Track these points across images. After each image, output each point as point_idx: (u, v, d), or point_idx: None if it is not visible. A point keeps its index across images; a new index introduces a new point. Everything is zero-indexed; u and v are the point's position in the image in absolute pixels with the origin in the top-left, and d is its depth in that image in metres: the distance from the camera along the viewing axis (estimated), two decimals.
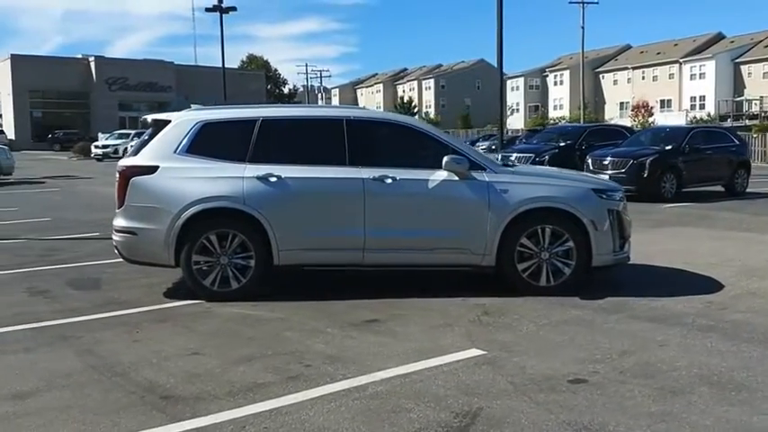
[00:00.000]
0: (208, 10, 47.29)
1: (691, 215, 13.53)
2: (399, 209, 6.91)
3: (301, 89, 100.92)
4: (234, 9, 47.36)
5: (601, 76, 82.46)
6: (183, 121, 7.06)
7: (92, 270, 8.34)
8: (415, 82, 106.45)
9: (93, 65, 61.55)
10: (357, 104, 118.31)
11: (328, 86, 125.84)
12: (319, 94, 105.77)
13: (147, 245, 6.82)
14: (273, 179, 6.77)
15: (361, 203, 6.80)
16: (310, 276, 7.47)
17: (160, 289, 7.22)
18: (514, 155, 18.91)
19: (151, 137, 7.10)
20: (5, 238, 11.08)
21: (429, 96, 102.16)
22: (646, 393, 4.34)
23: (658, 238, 10.67)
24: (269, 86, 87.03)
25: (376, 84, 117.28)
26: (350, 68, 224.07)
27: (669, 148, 16.42)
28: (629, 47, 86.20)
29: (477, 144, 34.30)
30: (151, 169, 6.82)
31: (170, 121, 7.07)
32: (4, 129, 57.55)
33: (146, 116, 7.65)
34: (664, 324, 5.89)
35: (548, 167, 10.42)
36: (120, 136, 43.24)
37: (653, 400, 4.23)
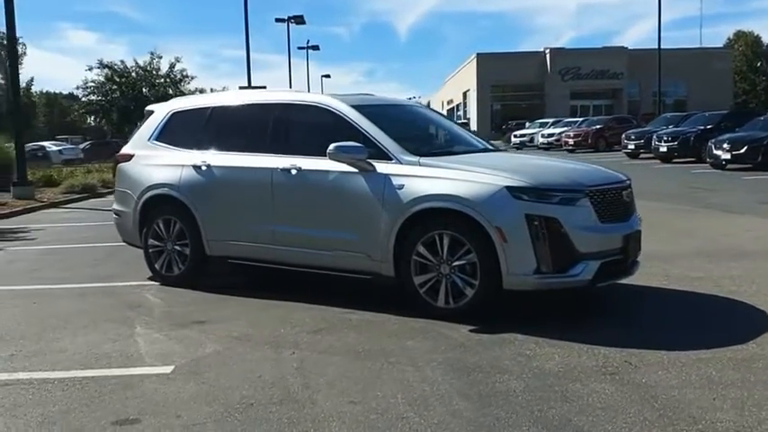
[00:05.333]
0: None
1: None
2: (302, 202, 6.11)
3: None
4: None
5: None
6: (159, 111, 7.39)
7: None
8: None
9: (548, 57, 63.48)
10: None
11: None
12: None
13: (127, 227, 7.32)
14: (204, 167, 6.64)
15: (270, 195, 6.22)
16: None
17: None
18: (726, 144, 14.13)
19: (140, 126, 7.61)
20: None
21: None
22: None
23: None
24: (759, 64, 78.72)
25: None
26: None
27: None
28: None
29: None
30: (129, 157, 7.33)
31: (153, 111, 7.48)
32: (469, 121, 63.57)
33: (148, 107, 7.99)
34: (470, 376, 4.11)
35: (505, 154, 7.18)
36: (541, 125, 43.92)
37: None
